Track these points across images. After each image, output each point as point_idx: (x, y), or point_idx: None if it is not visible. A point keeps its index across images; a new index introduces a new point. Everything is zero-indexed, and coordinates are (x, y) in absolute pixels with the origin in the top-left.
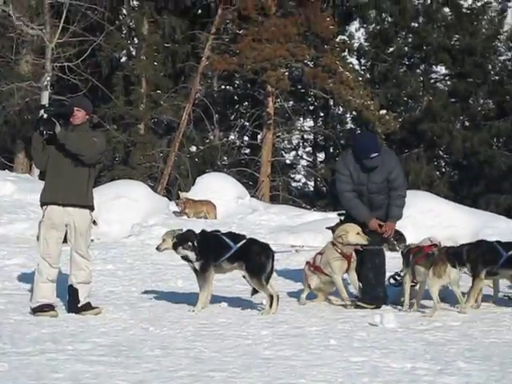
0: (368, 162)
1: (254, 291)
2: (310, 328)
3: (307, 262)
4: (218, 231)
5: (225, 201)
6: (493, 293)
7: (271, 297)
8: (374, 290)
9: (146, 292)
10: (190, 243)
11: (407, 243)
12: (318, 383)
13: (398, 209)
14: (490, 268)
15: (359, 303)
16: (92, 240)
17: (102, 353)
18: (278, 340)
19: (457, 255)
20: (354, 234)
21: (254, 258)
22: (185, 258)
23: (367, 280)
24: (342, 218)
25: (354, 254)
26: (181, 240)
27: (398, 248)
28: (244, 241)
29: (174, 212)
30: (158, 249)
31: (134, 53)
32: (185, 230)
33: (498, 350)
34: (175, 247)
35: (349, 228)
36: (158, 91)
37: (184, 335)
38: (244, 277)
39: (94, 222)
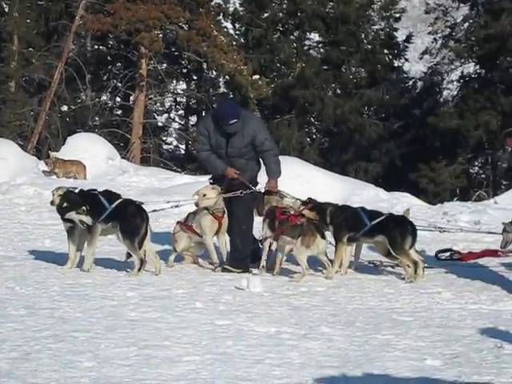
0: (227, 128)
1: (129, 255)
2: (176, 290)
3: (178, 222)
4: (95, 190)
5: (95, 161)
6: (353, 259)
7: (141, 261)
8: (241, 255)
9: (12, 251)
10: (84, 207)
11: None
12: (182, 345)
13: (275, 165)
14: (352, 234)
15: (226, 267)
16: None
17: None
18: (144, 302)
19: (322, 214)
20: (201, 197)
21: (129, 219)
22: (71, 220)
23: (235, 245)
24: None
25: (226, 216)
26: (73, 204)
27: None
28: (120, 200)
29: (44, 171)
30: (52, 203)
31: (6, 9)
32: (72, 190)
33: (361, 316)
34: (66, 212)
35: (200, 191)
36: (30, 49)
37: (49, 295)
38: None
39: None
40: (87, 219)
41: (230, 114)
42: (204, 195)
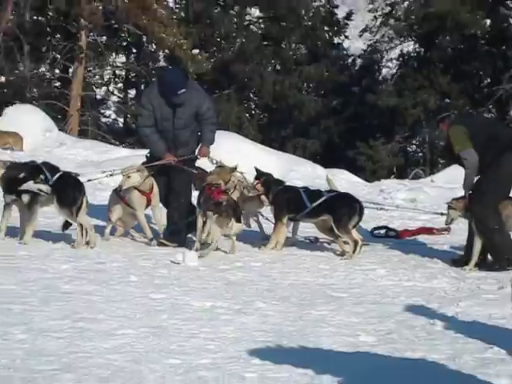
0: (175, 98)
1: (65, 226)
2: (111, 264)
3: (114, 190)
4: (34, 161)
5: (32, 133)
6: (291, 235)
7: (82, 226)
8: (178, 228)
9: None
10: (41, 176)
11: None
12: (117, 319)
13: (210, 133)
14: (292, 215)
15: (162, 241)
16: None
17: None
18: (79, 275)
19: (266, 192)
20: (125, 179)
21: (67, 190)
22: (18, 192)
23: (172, 219)
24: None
25: (155, 189)
26: (30, 174)
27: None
28: (60, 173)
29: None
30: None
31: None
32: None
33: (296, 292)
34: (22, 182)
35: (126, 172)
36: None
37: None
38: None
39: None
40: (46, 188)
41: (179, 83)
42: (128, 177)
